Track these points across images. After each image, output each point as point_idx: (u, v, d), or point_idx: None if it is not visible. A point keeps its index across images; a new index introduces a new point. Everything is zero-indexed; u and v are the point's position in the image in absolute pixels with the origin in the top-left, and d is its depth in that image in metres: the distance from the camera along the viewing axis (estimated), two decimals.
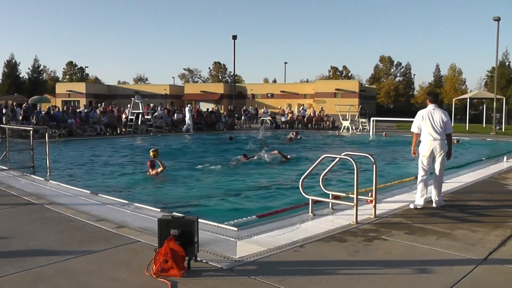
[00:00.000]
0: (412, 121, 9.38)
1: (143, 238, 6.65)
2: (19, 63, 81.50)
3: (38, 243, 6.46)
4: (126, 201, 9.20)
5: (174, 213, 6.63)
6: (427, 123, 8.99)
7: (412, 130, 9.33)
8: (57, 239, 6.66)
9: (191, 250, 5.42)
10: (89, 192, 10.22)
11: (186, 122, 35.38)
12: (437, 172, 9.02)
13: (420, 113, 9.23)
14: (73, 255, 5.91)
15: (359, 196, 7.88)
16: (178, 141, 27.25)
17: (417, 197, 9.02)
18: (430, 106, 9.15)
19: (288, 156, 18.17)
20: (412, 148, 9.39)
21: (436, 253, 6.20)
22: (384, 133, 33.93)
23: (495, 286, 5.17)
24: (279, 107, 47.02)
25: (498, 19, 36.44)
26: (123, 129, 32.36)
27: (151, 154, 13.78)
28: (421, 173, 9.06)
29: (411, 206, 8.92)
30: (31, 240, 6.62)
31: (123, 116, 33.58)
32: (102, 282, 5.10)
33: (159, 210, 8.52)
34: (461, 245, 6.58)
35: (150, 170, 13.89)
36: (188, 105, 39.08)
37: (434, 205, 9.00)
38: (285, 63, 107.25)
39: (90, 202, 9.19)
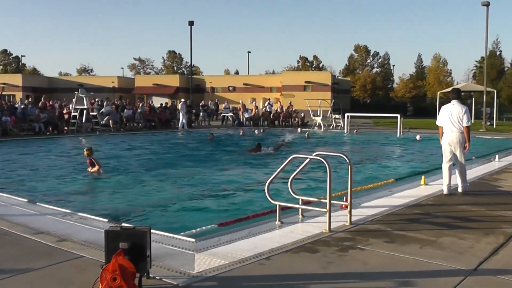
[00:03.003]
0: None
1: (88, 253, 6.56)
2: None
3: None
4: (68, 211, 9.06)
5: (123, 224, 6.57)
6: (446, 117, 10.92)
7: (437, 123, 11.38)
8: None
9: (143, 266, 5.37)
10: (26, 200, 10.03)
11: (180, 119, 36.56)
12: (458, 161, 10.94)
13: (443, 108, 11.26)
14: (8, 274, 5.78)
15: (332, 201, 7.91)
16: (131, 141, 26.99)
17: (444, 185, 10.95)
18: (452, 102, 11.00)
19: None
20: (440, 139, 11.34)
21: (419, 264, 6.26)
22: (355, 130, 34.30)
23: None
24: (240, 101, 46.84)
25: (487, 4, 36.64)
26: (65, 128, 31.94)
27: (85, 153, 15.04)
28: (443, 162, 11.11)
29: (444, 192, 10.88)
30: None
31: (65, 111, 33.19)
32: None
33: (106, 220, 8.40)
34: (447, 254, 6.65)
35: (90, 167, 14.83)
36: (182, 100, 39.04)
37: (459, 190, 10.97)
38: (249, 52, 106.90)
39: (27, 213, 9.02)
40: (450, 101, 11.00)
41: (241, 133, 31.93)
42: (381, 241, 7.24)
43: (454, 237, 7.49)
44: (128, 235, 5.37)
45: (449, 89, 53.48)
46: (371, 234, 7.64)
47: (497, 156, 17.36)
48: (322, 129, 36.86)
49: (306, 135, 30.59)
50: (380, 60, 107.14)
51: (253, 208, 9.98)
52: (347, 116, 35.94)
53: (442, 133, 11.11)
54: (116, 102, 40.22)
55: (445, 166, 10.97)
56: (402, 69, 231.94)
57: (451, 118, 10.78)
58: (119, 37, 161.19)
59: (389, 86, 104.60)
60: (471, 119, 11.29)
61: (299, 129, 35.52)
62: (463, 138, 10.78)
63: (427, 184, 11.83)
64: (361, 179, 13.40)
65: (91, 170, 14.76)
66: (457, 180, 11.01)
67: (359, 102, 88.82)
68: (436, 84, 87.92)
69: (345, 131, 34.86)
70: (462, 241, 7.29)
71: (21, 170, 16.07)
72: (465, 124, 10.69)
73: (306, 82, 70.07)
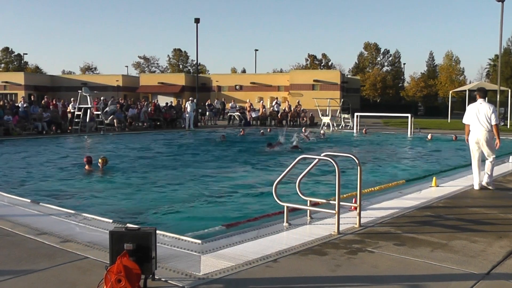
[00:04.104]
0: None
1: (92, 254, 6.58)
2: None
3: None
4: (72, 211, 9.08)
5: (128, 225, 6.59)
6: (474, 116, 11.52)
7: (463, 122, 11.95)
8: None
9: (148, 267, 5.38)
10: (29, 201, 10.08)
11: (187, 118, 36.78)
12: (486, 157, 11.64)
13: (469, 107, 11.89)
14: (10, 275, 5.81)
15: (341, 203, 7.91)
16: (137, 141, 27.04)
17: (474, 182, 11.69)
18: (479, 101, 11.68)
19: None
20: (466, 137, 11.96)
21: (430, 267, 6.24)
22: (364, 129, 34.23)
23: None
24: (247, 100, 46.78)
25: (502, 0, 36.36)
26: (69, 127, 31.98)
27: (100, 161, 15.20)
28: (472, 159, 11.79)
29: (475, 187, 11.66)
30: None
31: (68, 110, 33.26)
32: None
33: (111, 221, 8.43)
34: (459, 257, 6.62)
35: (87, 166, 15.16)
36: (191, 99, 39.15)
37: (484, 183, 11.59)
38: (256, 50, 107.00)
39: (30, 213, 9.05)
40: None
41: (241, 133, 31.81)
42: (391, 243, 7.23)
43: (466, 240, 7.46)
44: (133, 236, 5.39)
45: (462, 88, 53.78)
46: (381, 236, 7.63)
47: (510, 157, 17.23)
48: (330, 129, 36.78)
49: (321, 134, 30.39)
50: (390, 58, 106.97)
51: (260, 209, 10.00)
52: (357, 115, 35.88)
53: (469, 131, 11.71)
54: (120, 101, 40.24)
55: (474, 163, 11.68)
56: (413, 68, 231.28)
57: (478, 116, 11.38)
58: (123, 35, 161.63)
59: (399, 85, 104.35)
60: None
61: (303, 129, 35.47)
62: (490, 136, 11.40)
63: (438, 186, 11.82)
64: (370, 180, 13.37)
65: (90, 169, 15.09)
66: (483, 176, 11.61)
67: (369, 102, 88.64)
68: (448, 83, 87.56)
69: (355, 131, 34.81)
70: (474, 244, 7.26)
71: (24, 170, 16.11)
72: (494, 123, 11.31)
73: (314, 81, 70.05)
